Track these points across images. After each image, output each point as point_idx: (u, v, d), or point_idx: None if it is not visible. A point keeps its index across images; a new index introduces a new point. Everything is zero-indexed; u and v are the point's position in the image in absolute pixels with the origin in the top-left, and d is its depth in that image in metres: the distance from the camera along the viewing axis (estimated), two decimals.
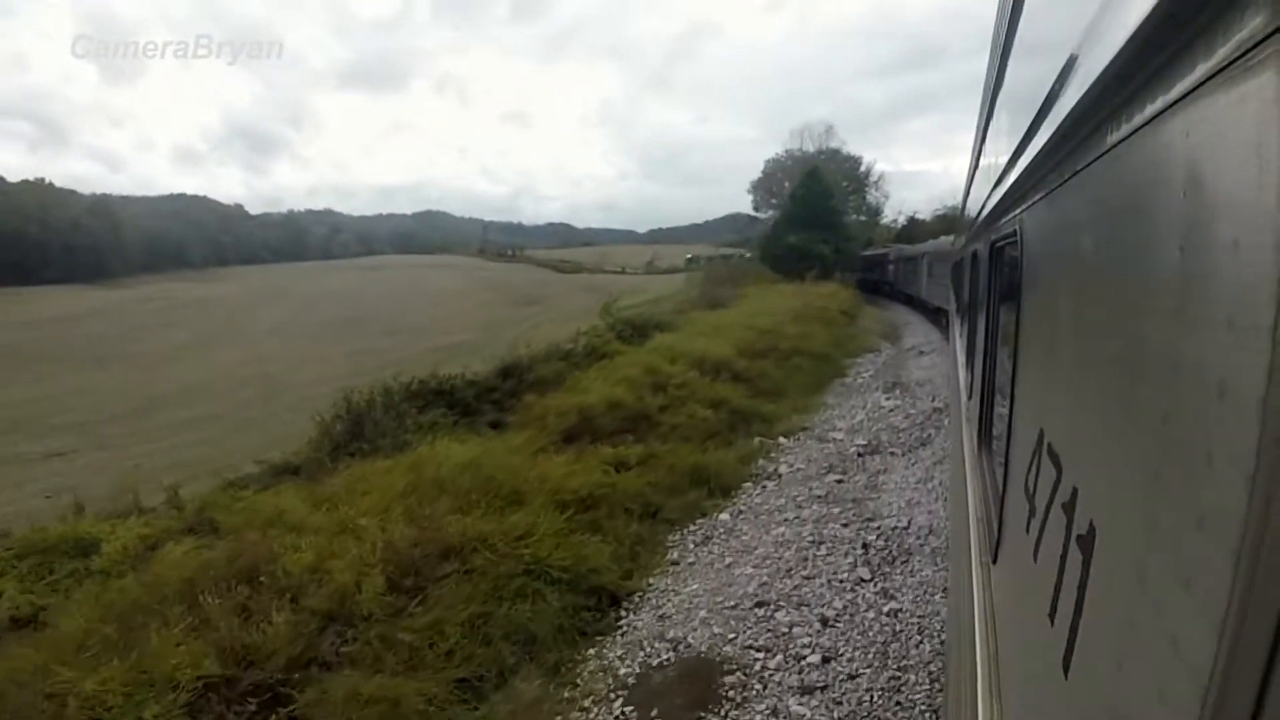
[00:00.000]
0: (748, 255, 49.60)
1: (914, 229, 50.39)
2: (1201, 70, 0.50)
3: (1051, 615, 0.86)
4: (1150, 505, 0.57)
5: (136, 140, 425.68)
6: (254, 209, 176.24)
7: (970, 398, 3.84)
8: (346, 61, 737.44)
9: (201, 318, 36.54)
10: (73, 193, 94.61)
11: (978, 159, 4.92)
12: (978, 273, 4.37)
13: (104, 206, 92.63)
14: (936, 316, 21.29)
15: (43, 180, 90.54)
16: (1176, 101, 0.55)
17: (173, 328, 33.01)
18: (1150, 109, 0.62)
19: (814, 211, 42.22)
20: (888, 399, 12.50)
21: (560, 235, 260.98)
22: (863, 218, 55.44)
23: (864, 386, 14.11)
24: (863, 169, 57.01)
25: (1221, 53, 0.46)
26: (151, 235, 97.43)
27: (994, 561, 1.67)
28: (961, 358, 5.94)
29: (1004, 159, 2.12)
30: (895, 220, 58.32)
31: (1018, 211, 1.85)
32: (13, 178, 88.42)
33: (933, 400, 12.07)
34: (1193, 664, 0.45)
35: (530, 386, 10.74)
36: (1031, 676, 1.05)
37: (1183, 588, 0.48)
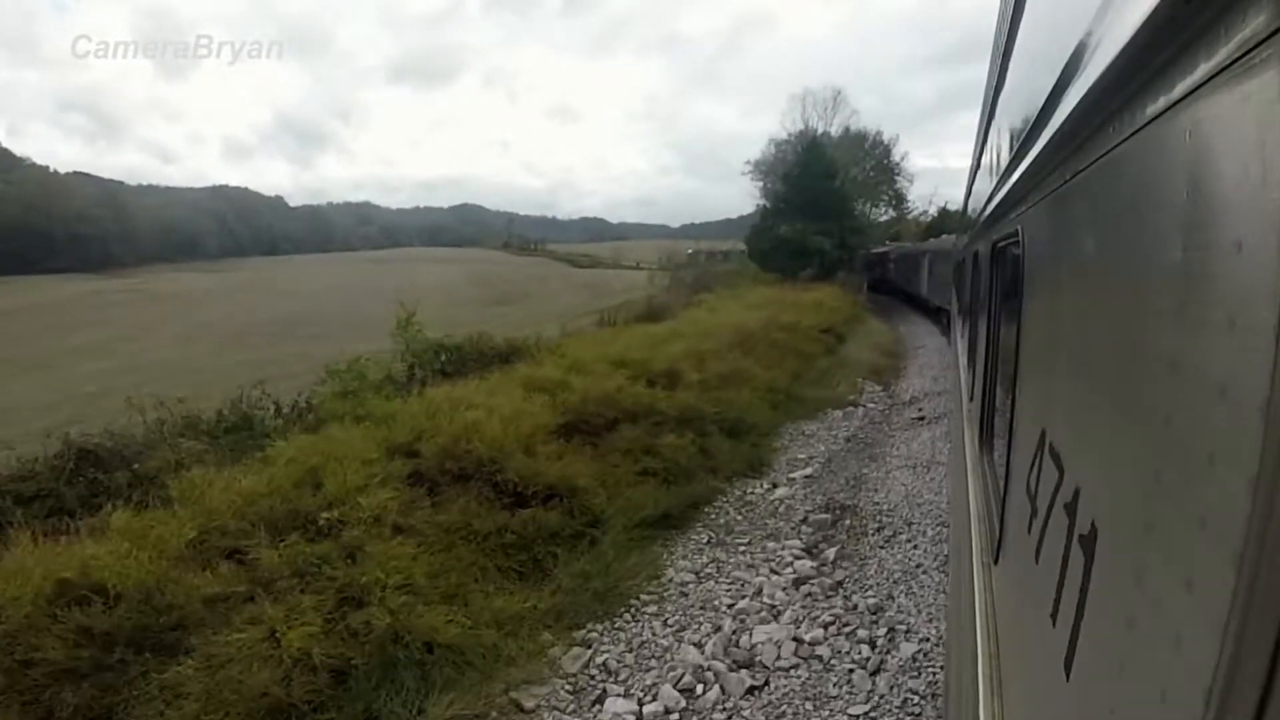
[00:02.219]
0: (744, 250, 41.21)
1: (946, 223, 40.41)
2: (1203, 70, 0.50)
3: (1053, 616, 0.86)
4: (1152, 506, 0.57)
5: (188, 134, 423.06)
6: (296, 202, 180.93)
7: (972, 398, 3.84)
8: (395, 56, 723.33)
9: (142, 313, 33.84)
10: (77, 174, 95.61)
11: (979, 159, 4.94)
12: (979, 273, 4.36)
13: (111, 197, 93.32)
14: (937, 316, 21.20)
15: (48, 169, 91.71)
16: (1178, 101, 0.55)
17: (94, 326, 30.31)
18: (1152, 109, 0.62)
19: (812, 196, 33.44)
20: (794, 590, 5.36)
21: (592, 229, 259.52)
22: (890, 210, 47.16)
23: (775, 515, 6.97)
24: (884, 147, 46.10)
25: (1223, 52, 0.46)
26: (167, 226, 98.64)
27: (995, 562, 1.67)
28: (963, 358, 5.93)
29: (1005, 159, 2.13)
30: (924, 213, 47.52)
31: (1019, 212, 1.86)
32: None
33: (902, 638, 4.57)
34: (1195, 665, 0.45)
35: (104, 494, 5.37)
36: (1033, 677, 1.05)
37: (1184, 588, 0.48)
